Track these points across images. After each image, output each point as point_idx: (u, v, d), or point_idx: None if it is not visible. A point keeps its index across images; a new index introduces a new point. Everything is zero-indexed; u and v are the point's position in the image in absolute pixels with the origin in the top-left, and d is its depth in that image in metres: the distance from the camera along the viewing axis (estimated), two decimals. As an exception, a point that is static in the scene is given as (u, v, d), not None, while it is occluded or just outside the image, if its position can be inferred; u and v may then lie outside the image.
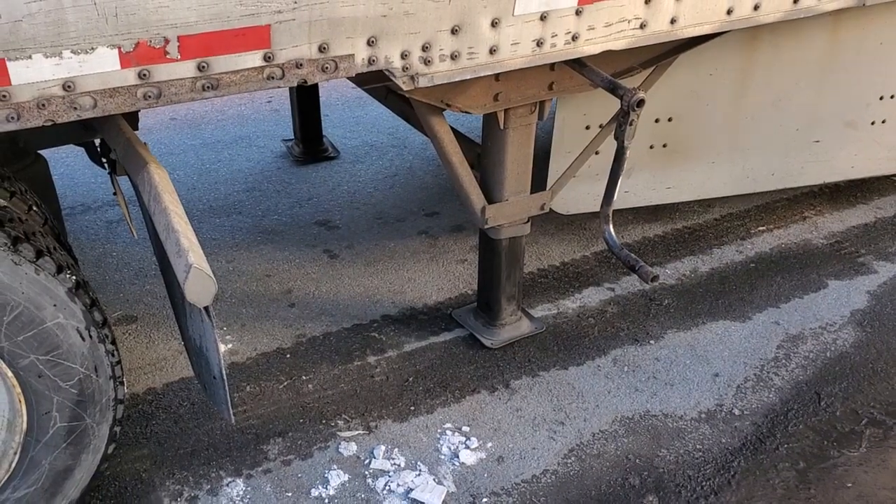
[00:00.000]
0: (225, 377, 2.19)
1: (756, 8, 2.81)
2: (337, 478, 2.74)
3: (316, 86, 4.74)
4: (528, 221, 3.18)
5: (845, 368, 3.30)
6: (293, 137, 5.05)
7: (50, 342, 2.10)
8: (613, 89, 2.59)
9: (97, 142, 3.01)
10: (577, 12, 2.45)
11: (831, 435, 2.97)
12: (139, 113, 2.97)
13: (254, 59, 2.02)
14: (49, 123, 1.87)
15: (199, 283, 1.92)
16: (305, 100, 4.79)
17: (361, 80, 2.53)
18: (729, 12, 2.76)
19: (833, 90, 3.84)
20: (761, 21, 2.87)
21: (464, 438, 2.92)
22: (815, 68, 3.74)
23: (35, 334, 2.07)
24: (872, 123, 4.01)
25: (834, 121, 3.95)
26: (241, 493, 2.69)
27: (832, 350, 3.41)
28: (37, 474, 2.25)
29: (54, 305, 2.08)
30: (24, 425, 2.17)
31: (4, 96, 1.80)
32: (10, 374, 2.08)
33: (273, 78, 2.08)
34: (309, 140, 4.95)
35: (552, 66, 2.75)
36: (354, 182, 4.71)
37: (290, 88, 4.83)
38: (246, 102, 5.72)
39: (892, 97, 3.94)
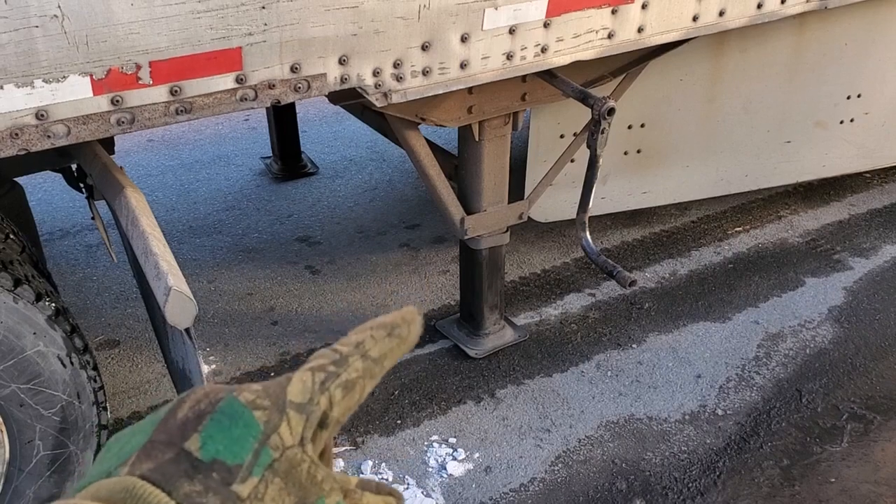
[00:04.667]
0: (208, 398, 2.19)
1: (721, 14, 2.86)
2: (325, 494, 2.74)
3: (293, 103, 4.75)
4: (507, 231, 3.21)
5: (825, 365, 3.35)
6: (271, 155, 5.06)
7: (31, 370, 2.09)
8: (584, 99, 2.63)
9: (74, 166, 3.01)
10: (546, 25, 2.49)
11: (813, 431, 3.01)
12: (115, 136, 2.97)
13: (226, 81, 2.04)
14: (23, 152, 1.87)
15: (180, 305, 1.93)
16: (283, 117, 4.80)
17: (335, 97, 2.55)
18: (695, 19, 2.81)
19: (801, 91, 3.91)
20: (727, 26, 2.92)
21: (451, 450, 2.93)
22: (783, 71, 3.80)
23: (15, 363, 2.06)
24: (841, 122, 4.08)
25: (804, 121, 4.02)
26: (229, 513, 2.68)
27: (811, 347, 3.45)
28: (21, 504, 2.24)
29: (34, 333, 2.08)
30: (7, 455, 2.16)
31: (-23, 127, 1.81)
32: (-9, 404, 2.08)
33: (246, 99, 2.09)
34: (287, 157, 4.96)
35: (524, 77, 2.79)
36: (334, 197, 4.72)
37: (266, 107, 4.83)
38: (223, 121, 5.72)
39: (858, 96, 4.01)
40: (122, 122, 1.96)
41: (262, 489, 0.46)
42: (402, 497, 0.56)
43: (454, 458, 2.89)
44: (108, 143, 2.86)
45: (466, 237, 3.11)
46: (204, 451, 0.45)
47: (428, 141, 2.96)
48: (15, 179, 3.06)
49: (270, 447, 0.47)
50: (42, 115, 1.85)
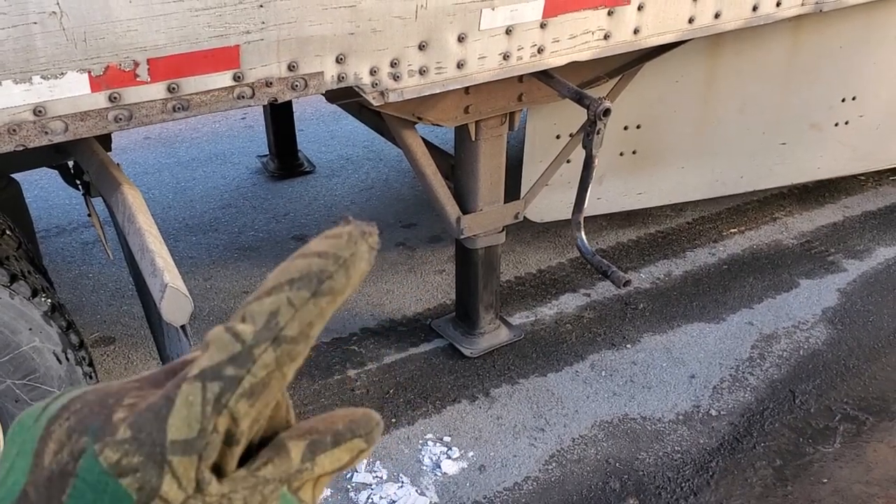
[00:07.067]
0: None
1: (717, 16, 2.88)
2: (320, 492, 2.75)
3: (289, 101, 4.75)
4: (502, 230, 3.22)
5: (818, 366, 3.36)
6: (268, 153, 5.06)
7: (26, 366, 2.10)
8: (580, 99, 2.64)
9: (71, 163, 3.01)
10: (542, 25, 2.50)
11: (806, 432, 3.03)
12: (112, 133, 2.98)
13: (224, 79, 2.04)
14: (20, 148, 1.88)
15: (175, 302, 1.93)
16: (279, 115, 4.81)
17: (332, 96, 2.56)
18: (691, 21, 2.82)
19: (796, 94, 3.92)
20: (722, 29, 2.94)
21: (445, 448, 2.94)
22: (779, 73, 3.82)
23: (11, 359, 2.06)
24: (836, 125, 4.10)
25: (799, 123, 4.03)
26: (223, 511, 2.68)
27: (805, 348, 3.47)
28: None
29: (30, 329, 2.08)
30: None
31: (-26, 123, 1.81)
32: (-14, 399, 2.08)
33: (243, 97, 2.10)
34: (284, 155, 4.96)
35: (520, 77, 2.80)
36: (331, 196, 4.73)
37: (263, 105, 4.83)
38: (220, 119, 5.72)
39: (853, 99, 4.03)
40: (120, 119, 1.96)
41: None
42: (377, 421, 0.43)
43: (448, 457, 2.90)
44: (106, 141, 2.86)
45: (462, 237, 3.12)
46: None
47: (424, 140, 2.97)
48: (12, 176, 3.06)
49: None
50: (40, 112, 1.86)
